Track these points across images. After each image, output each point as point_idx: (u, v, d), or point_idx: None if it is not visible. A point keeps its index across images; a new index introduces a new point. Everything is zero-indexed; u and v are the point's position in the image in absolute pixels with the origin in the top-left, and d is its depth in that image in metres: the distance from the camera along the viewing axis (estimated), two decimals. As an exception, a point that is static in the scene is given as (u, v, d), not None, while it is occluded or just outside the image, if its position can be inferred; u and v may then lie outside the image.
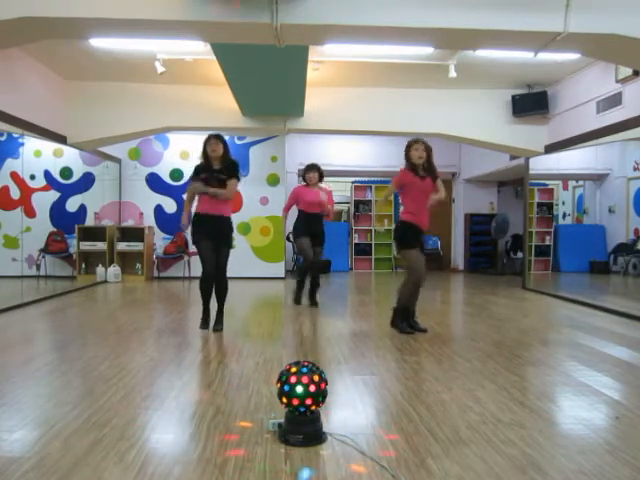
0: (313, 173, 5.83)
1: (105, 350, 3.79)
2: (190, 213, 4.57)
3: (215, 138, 4.40)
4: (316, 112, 7.34)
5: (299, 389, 2.13)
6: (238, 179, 4.47)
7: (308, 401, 2.14)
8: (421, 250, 4.42)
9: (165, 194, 9.08)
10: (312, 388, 2.14)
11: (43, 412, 2.53)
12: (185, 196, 4.73)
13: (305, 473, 1.93)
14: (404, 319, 4.45)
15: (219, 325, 4.54)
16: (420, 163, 4.34)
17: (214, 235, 4.40)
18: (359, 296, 7.61)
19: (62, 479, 1.85)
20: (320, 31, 3.75)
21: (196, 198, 4.52)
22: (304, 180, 5.93)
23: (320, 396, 2.18)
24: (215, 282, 4.50)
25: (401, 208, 4.78)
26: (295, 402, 2.14)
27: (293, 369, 2.20)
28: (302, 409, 2.16)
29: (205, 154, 4.43)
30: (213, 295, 4.55)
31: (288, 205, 6.08)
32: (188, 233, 4.98)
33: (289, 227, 6.15)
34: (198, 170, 4.46)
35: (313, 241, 5.78)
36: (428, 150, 4.37)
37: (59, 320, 5.33)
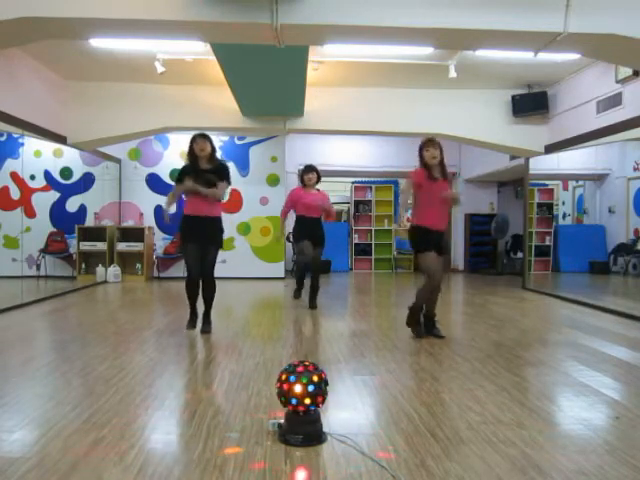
0: (312, 174, 5.80)
1: (105, 350, 3.79)
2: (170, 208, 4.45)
3: (202, 137, 4.32)
4: (316, 112, 7.34)
5: (298, 389, 2.13)
6: (229, 182, 4.40)
7: (307, 401, 2.14)
8: (439, 251, 4.23)
9: (165, 194, 8.93)
10: (312, 388, 2.14)
11: (43, 412, 2.53)
12: (171, 194, 4.46)
13: None
14: (418, 321, 4.32)
15: (207, 327, 4.42)
16: (434, 163, 4.20)
17: (202, 237, 4.29)
18: (359, 296, 7.61)
19: (62, 479, 1.85)
20: (320, 31, 3.75)
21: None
22: (302, 182, 5.89)
23: (320, 396, 2.17)
24: (202, 283, 4.40)
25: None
26: (294, 402, 2.14)
27: (293, 369, 2.19)
28: (301, 409, 2.15)
29: (192, 154, 4.34)
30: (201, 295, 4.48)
31: (286, 209, 6.00)
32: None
33: (288, 227, 6.11)
34: (186, 171, 4.33)
35: (313, 243, 5.75)
36: (441, 150, 4.20)
37: (59, 320, 5.33)
